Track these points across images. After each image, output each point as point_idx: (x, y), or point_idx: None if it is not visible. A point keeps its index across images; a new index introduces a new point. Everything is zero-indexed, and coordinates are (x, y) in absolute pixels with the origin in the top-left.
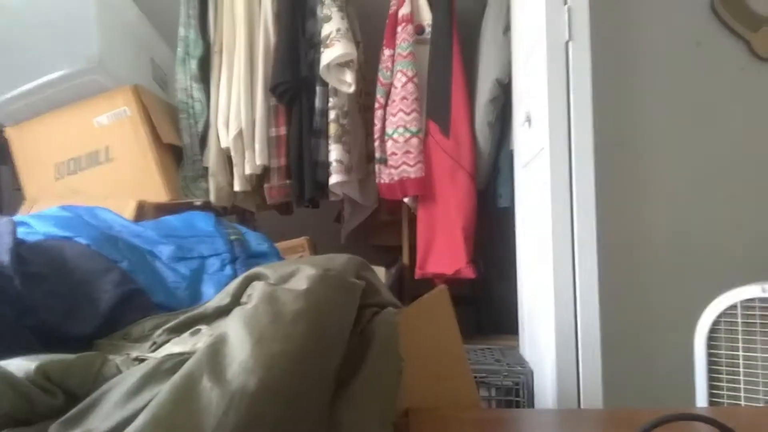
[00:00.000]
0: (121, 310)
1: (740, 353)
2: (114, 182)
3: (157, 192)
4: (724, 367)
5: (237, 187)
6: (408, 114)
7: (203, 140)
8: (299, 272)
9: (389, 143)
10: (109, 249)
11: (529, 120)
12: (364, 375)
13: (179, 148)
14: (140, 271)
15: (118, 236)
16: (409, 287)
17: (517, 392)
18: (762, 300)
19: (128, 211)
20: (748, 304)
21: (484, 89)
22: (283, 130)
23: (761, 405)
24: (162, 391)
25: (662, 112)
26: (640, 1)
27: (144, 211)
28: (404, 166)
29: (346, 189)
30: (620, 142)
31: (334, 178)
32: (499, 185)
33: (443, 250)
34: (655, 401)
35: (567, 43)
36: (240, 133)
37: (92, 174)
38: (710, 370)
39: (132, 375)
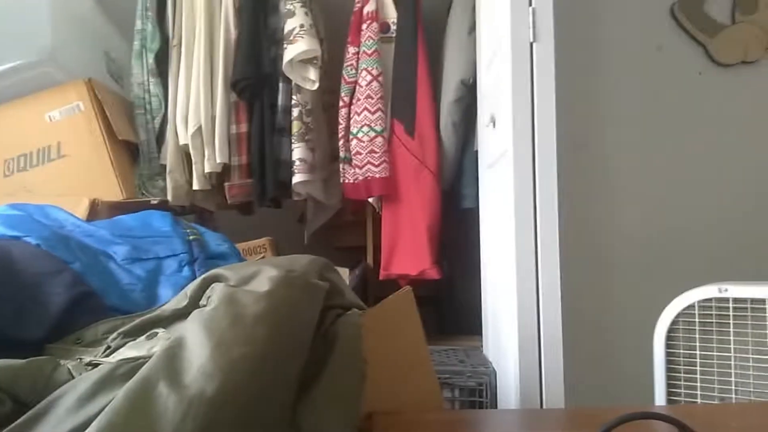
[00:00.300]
0: (72, 313)
1: (697, 352)
2: (67, 180)
3: (112, 190)
4: (682, 366)
5: (196, 186)
6: (373, 113)
7: (160, 137)
8: (261, 273)
9: (354, 142)
10: (61, 249)
11: (493, 121)
12: (327, 378)
13: (135, 145)
14: (93, 272)
15: (70, 236)
16: (374, 288)
17: (480, 393)
18: (718, 300)
19: (81, 209)
20: (705, 304)
21: (449, 89)
22: (244, 127)
23: (716, 403)
24: (117, 397)
25: (626, 113)
26: (604, 4)
27: (98, 210)
28: (369, 166)
29: (310, 188)
30: (585, 143)
31: (297, 177)
32: (464, 186)
33: (408, 250)
34: (617, 400)
35: (531, 44)
36: (199, 130)
37: (44, 171)
38: (668, 369)
39: (85, 380)
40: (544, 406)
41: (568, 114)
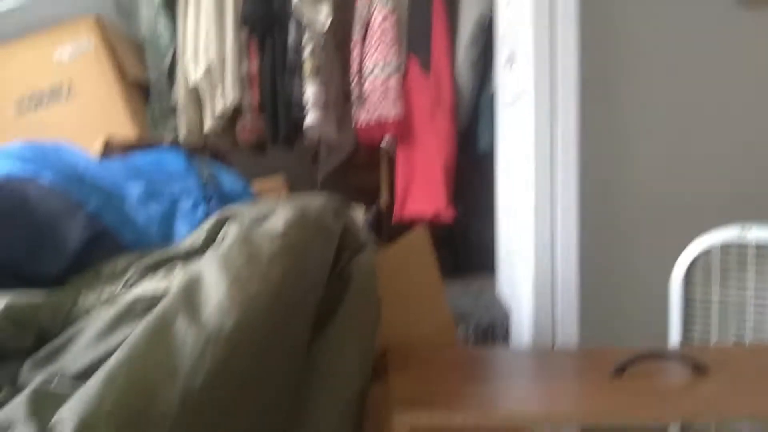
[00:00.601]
0: (89, 251)
1: (715, 295)
2: (79, 119)
3: (125, 130)
4: (698, 309)
5: (208, 126)
6: (387, 51)
7: (171, 76)
8: (275, 213)
9: (367, 81)
10: (75, 189)
11: (511, 60)
12: (342, 316)
13: (147, 84)
14: (108, 212)
15: (83, 176)
16: (388, 229)
17: (493, 331)
18: (740, 241)
19: (94, 149)
20: (726, 246)
21: (466, 28)
22: (255, 66)
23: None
24: (135, 331)
25: (649, 51)
26: None
27: (111, 150)
28: (383, 105)
29: (323, 129)
30: (605, 81)
31: (309, 118)
32: (480, 127)
33: (422, 191)
34: (630, 342)
35: None
36: (209, 69)
37: (55, 110)
38: (684, 311)
39: (104, 314)
40: (557, 346)
41: (587, 51)
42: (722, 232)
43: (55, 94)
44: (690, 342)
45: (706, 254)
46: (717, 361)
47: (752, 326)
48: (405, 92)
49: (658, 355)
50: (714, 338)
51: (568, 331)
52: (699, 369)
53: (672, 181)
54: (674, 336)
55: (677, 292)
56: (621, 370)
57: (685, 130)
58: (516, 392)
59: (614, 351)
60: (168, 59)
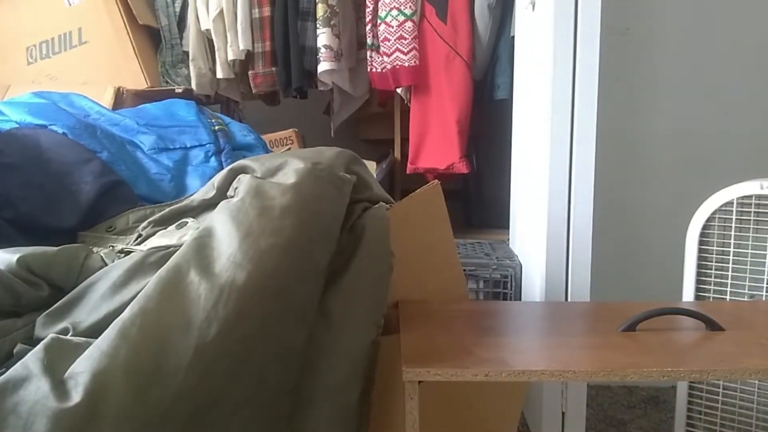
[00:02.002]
0: (103, 201)
1: (731, 250)
2: (89, 67)
3: (136, 78)
4: (713, 263)
5: (219, 74)
6: None
7: (181, 21)
8: (287, 165)
9: (381, 27)
10: (87, 138)
11: (533, 3)
12: (355, 269)
13: (157, 31)
14: (121, 161)
15: (95, 125)
16: (401, 182)
17: (505, 285)
18: (759, 197)
19: (106, 98)
20: (744, 200)
21: None
22: (267, 11)
23: (745, 300)
24: (149, 284)
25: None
26: None
27: (122, 99)
28: (397, 53)
29: (336, 78)
30: (626, 30)
31: (323, 66)
32: (497, 75)
33: (436, 143)
34: (643, 297)
35: None
36: (221, 14)
37: (66, 58)
38: (699, 266)
39: (117, 268)
40: (569, 300)
41: None
42: (740, 186)
43: (65, 41)
44: (704, 296)
45: (723, 209)
46: (730, 319)
47: (767, 284)
48: (420, 39)
49: (671, 311)
50: (728, 295)
51: (581, 285)
52: (712, 326)
53: (691, 135)
54: (688, 292)
55: (693, 248)
56: (632, 326)
57: (706, 83)
58: (525, 347)
59: (627, 306)
60: (178, 3)
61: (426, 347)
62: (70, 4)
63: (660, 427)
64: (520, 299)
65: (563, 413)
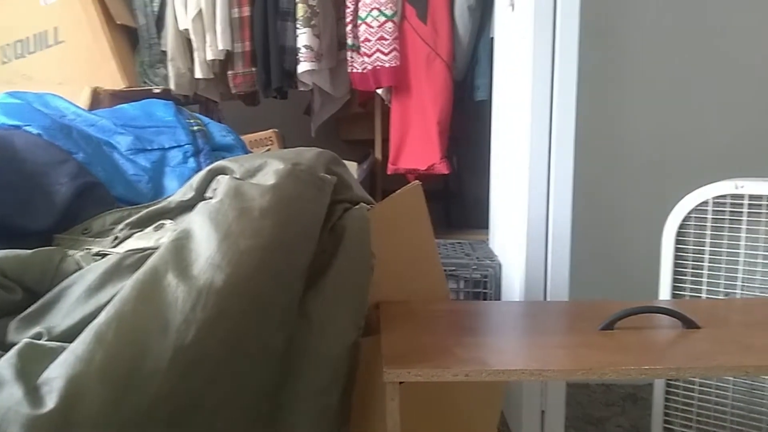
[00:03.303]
0: (78, 203)
1: (707, 248)
2: (66, 67)
3: (113, 78)
4: (689, 263)
5: (198, 74)
6: None
7: (160, 21)
8: (266, 166)
9: (362, 28)
10: (63, 139)
11: (512, 3)
12: (335, 270)
13: (135, 30)
14: (97, 162)
15: (71, 125)
16: (382, 182)
17: (485, 285)
18: (734, 196)
19: (82, 98)
20: (719, 200)
21: None
22: (246, 11)
23: (720, 298)
24: (125, 287)
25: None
26: None
27: (99, 99)
28: (378, 54)
29: (316, 78)
30: (604, 31)
31: (302, 66)
32: (477, 76)
33: (417, 144)
34: (621, 296)
35: None
36: (200, 13)
37: (42, 57)
38: (676, 265)
39: (93, 271)
40: (548, 299)
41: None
42: (715, 186)
43: (40, 40)
44: (680, 294)
45: (698, 209)
46: (706, 317)
47: (743, 282)
48: (401, 39)
49: (648, 309)
50: (704, 293)
51: (559, 285)
52: (688, 324)
53: (667, 136)
54: (665, 291)
55: (669, 247)
56: (611, 324)
57: (683, 84)
58: (505, 347)
59: (605, 305)
60: (157, 3)
61: (407, 348)
62: (45, 3)
63: (638, 424)
64: (500, 299)
65: (543, 412)
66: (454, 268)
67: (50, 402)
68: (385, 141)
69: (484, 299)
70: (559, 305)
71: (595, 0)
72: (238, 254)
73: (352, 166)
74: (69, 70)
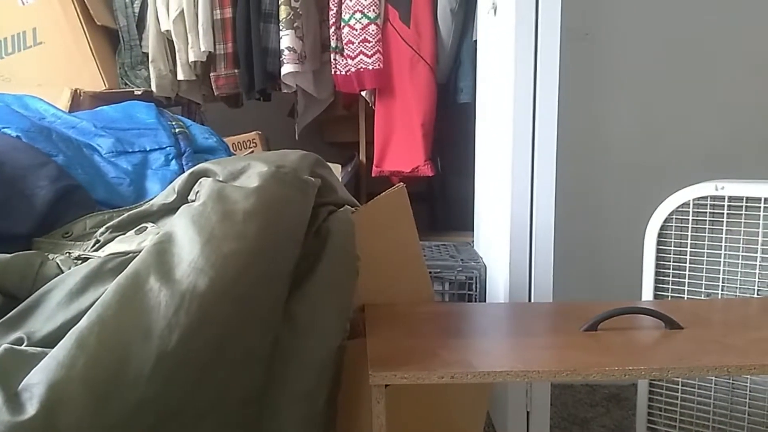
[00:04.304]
0: (59, 206)
1: (688, 249)
2: (45, 68)
3: (93, 80)
4: (671, 263)
5: (180, 76)
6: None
7: (141, 22)
8: (250, 169)
9: (345, 30)
10: (42, 141)
11: (494, 7)
12: (320, 273)
13: (116, 32)
14: (78, 165)
15: (51, 128)
16: (366, 185)
17: (470, 286)
18: (714, 198)
19: (62, 100)
20: (700, 201)
21: None
22: (228, 12)
23: (702, 298)
24: (107, 291)
25: (630, 10)
26: None
27: (79, 101)
28: (361, 56)
29: (300, 80)
30: (585, 35)
31: (286, 68)
32: (460, 79)
33: (401, 146)
34: (604, 297)
35: None
36: (181, 14)
37: (20, 59)
38: (658, 266)
39: (74, 275)
40: (533, 300)
41: (571, 2)
42: (696, 188)
43: (19, 41)
44: (662, 295)
45: (679, 210)
46: (688, 317)
47: (723, 282)
48: (384, 44)
49: (632, 310)
50: (686, 294)
51: (543, 286)
52: (671, 325)
53: (649, 138)
54: (647, 291)
55: (651, 248)
56: (594, 325)
57: (664, 87)
58: (490, 348)
59: (588, 306)
60: (137, 4)
61: (392, 351)
62: (23, 4)
63: (622, 424)
64: (485, 300)
65: (528, 412)
66: (439, 270)
67: (31, 408)
68: (370, 143)
69: (470, 301)
70: (543, 306)
71: (577, 4)
72: (222, 258)
73: (336, 169)
74: (48, 71)
